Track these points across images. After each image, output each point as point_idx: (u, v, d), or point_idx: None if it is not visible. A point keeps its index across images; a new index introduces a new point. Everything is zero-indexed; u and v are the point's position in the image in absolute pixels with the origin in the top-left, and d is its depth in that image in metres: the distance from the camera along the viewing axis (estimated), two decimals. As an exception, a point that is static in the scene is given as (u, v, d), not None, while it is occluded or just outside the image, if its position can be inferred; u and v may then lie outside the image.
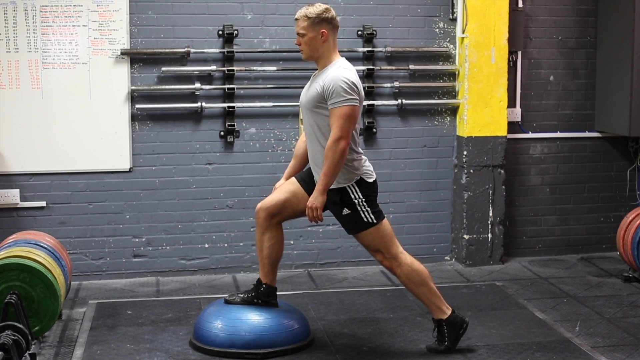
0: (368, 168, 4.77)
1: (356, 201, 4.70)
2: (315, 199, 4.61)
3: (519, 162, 7.05)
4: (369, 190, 4.74)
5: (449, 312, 4.87)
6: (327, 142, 4.56)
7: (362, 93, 4.68)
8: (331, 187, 4.68)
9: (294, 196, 4.82)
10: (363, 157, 4.78)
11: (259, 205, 4.85)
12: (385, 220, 4.79)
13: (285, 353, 4.85)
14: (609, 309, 5.74)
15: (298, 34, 4.68)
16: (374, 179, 4.78)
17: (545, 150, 7.09)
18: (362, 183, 4.71)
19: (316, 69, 4.80)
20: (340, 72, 4.60)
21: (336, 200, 4.70)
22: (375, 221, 4.73)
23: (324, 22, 4.64)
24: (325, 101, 4.59)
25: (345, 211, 4.71)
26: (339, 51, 6.45)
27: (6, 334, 4.37)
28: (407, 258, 4.83)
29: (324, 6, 4.68)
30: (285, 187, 4.88)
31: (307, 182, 4.82)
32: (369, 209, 4.72)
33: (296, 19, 4.69)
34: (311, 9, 4.66)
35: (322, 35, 4.65)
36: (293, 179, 4.91)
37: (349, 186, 4.69)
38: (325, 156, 4.56)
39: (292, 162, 5.03)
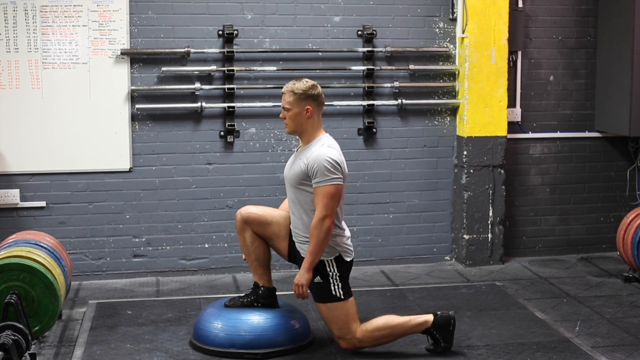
0: (349, 247, 4.81)
1: (330, 274, 4.74)
2: (302, 277, 4.67)
3: (519, 162, 7.05)
4: (345, 268, 4.79)
5: (431, 318, 4.86)
6: (312, 221, 4.61)
7: (346, 171, 4.74)
8: None
9: (277, 227, 4.89)
10: (346, 233, 4.82)
11: (240, 210, 4.91)
12: (352, 299, 4.80)
13: (286, 353, 4.85)
14: (609, 309, 5.75)
15: (283, 107, 4.73)
16: (351, 258, 4.82)
17: (545, 150, 7.09)
18: (340, 260, 4.76)
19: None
20: (324, 150, 4.63)
21: None
22: (342, 297, 4.75)
23: (309, 99, 4.69)
24: (309, 179, 4.63)
25: (317, 279, 4.74)
26: (340, 51, 6.57)
27: (6, 334, 4.37)
28: (362, 328, 4.80)
29: (310, 82, 4.73)
30: (277, 213, 4.93)
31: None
32: (340, 284, 4.76)
33: (282, 93, 4.74)
34: (298, 84, 4.70)
35: (307, 111, 4.69)
36: (288, 216, 4.91)
37: (327, 260, 4.73)
38: (311, 235, 4.62)
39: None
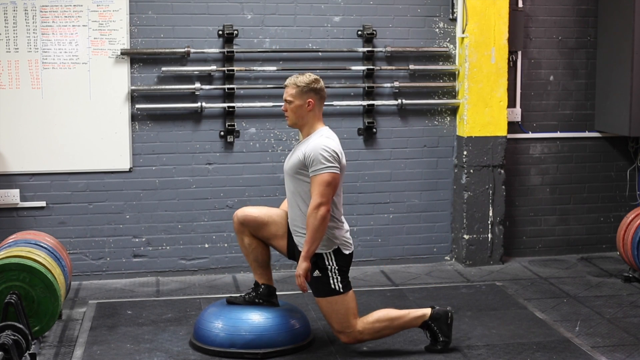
0: (347, 240, 4.83)
1: (329, 267, 4.76)
2: (299, 267, 4.68)
3: (519, 162, 7.05)
4: (344, 261, 4.80)
5: (428, 311, 4.90)
6: (308, 209, 4.62)
7: (344, 161, 4.76)
8: None
9: (274, 227, 4.90)
10: (345, 226, 4.84)
11: (236, 212, 4.94)
12: (352, 293, 4.82)
13: (286, 353, 4.85)
14: (609, 309, 5.75)
15: (285, 100, 4.78)
16: (351, 251, 4.83)
17: (545, 150, 7.09)
18: (338, 253, 4.77)
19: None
20: (322, 140, 4.68)
21: (310, 261, 4.74)
22: (342, 290, 4.77)
23: (311, 92, 4.74)
24: (307, 168, 4.66)
25: (316, 273, 4.76)
26: (340, 51, 6.57)
27: (6, 334, 4.37)
28: (362, 320, 4.83)
29: (313, 77, 4.78)
30: (274, 212, 4.95)
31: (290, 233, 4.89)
32: (339, 277, 4.77)
33: (285, 85, 4.79)
34: (301, 77, 4.76)
35: (309, 104, 4.74)
36: (286, 215, 4.93)
37: (325, 253, 4.75)
38: (307, 224, 4.63)
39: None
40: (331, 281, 4.76)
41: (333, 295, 4.76)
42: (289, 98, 4.76)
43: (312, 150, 4.64)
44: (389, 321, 4.85)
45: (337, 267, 4.76)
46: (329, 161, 4.62)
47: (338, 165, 4.67)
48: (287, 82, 4.79)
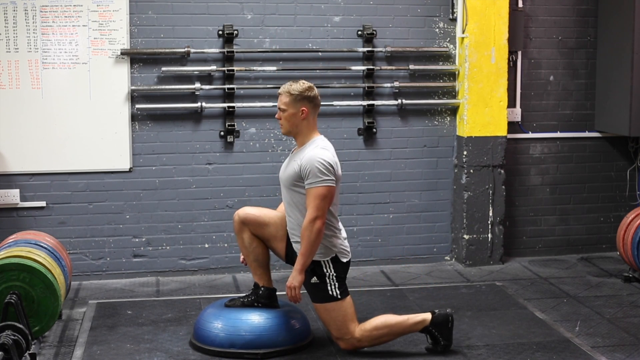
0: (345, 248, 4.84)
1: (327, 274, 4.77)
2: (294, 279, 4.68)
3: (519, 162, 7.05)
4: (341, 269, 4.81)
5: (429, 317, 4.88)
6: (304, 222, 4.62)
7: (339, 172, 4.77)
8: None
9: (274, 228, 4.91)
10: (342, 234, 4.85)
11: (237, 211, 4.95)
12: (349, 299, 4.83)
13: (286, 353, 4.85)
14: (609, 309, 5.75)
15: (279, 108, 4.77)
16: (348, 259, 4.84)
17: (545, 150, 7.10)
18: (336, 261, 4.79)
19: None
20: (317, 152, 4.67)
21: (307, 269, 4.75)
22: (339, 297, 4.78)
23: (305, 100, 4.72)
24: (302, 180, 4.66)
25: (314, 280, 4.78)
26: (340, 51, 6.57)
27: (6, 334, 4.37)
28: (360, 328, 4.83)
29: (307, 84, 4.77)
30: (274, 214, 4.96)
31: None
32: (337, 284, 4.78)
33: (279, 94, 4.78)
34: (294, 85, 4.74)
35: (302, 112, 4.72)
36: (285, 218, 4.94)
37: (323, 261, 4.76)
38: (302, 236, 4.64)
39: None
40: (329, 287, 4.77)
41: (331, 302, 4.78)
42: (282, 106, 4.75)
43: (308, 162, 4.63)
44: (388, 328, 4.84)
45: (334, 274, 4.77)
46: (324, 174, 4.62)
47: (334, 178, 4.66)
48: (281, 90, 4.77)
